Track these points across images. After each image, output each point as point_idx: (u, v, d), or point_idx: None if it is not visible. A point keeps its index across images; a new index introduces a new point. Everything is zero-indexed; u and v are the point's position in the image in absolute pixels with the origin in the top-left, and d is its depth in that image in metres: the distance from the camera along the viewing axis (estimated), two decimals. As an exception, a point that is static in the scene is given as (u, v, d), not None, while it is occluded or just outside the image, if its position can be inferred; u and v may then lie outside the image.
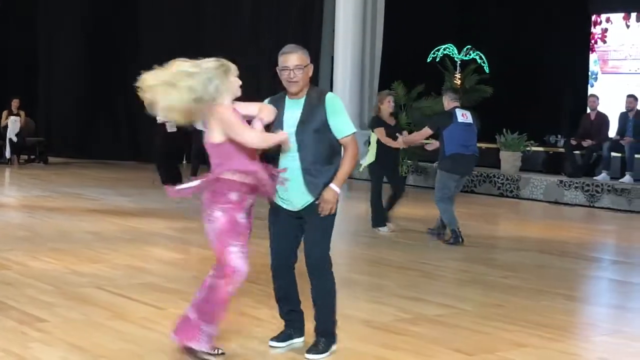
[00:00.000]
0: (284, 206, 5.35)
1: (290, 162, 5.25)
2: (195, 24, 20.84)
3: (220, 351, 5.25)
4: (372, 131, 11.02)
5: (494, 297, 7.49)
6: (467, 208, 14.05)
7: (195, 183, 5.22)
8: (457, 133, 10.24)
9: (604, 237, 12.22)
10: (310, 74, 5.33)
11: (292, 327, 5.57)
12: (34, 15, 21.37)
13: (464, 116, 10.37)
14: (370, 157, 10.91)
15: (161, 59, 17.81)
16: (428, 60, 17.36)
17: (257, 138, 5.05)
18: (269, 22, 19.88)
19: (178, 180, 15.45)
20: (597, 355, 5.98)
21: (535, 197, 15.67)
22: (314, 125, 5.23)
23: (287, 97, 5.34)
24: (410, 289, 7.64)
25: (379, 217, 10.93)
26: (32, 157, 19.58)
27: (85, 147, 20.98)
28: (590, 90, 17.89)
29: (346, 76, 18.14)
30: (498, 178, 16.37)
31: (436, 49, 17.40)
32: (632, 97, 15.99)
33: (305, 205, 5.29)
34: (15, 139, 18.62)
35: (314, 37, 19.05)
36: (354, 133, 5.32)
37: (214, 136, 5.06)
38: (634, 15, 17.99)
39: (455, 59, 17.48)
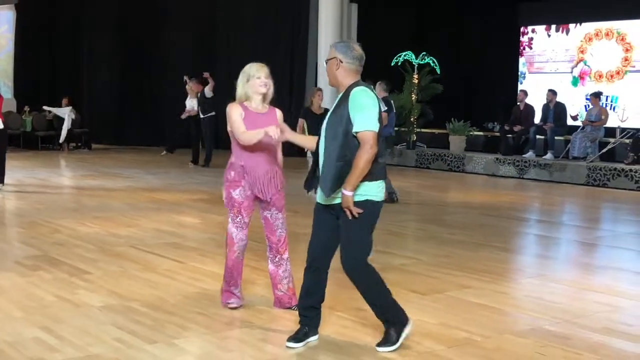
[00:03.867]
0: (318, 200, 4.38)
1: (320, 156, 4.31)
2: (209, 30, 20.66)
3: (233, 305, 5.15)
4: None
5: (443, 249, 7.52)
6: (424, 180, 14.08)
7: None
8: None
9: (531, 201, 12.26)
10: (337, 68, 4.27)
11: (308, 325, 4.44)
12: (76, 29, 21.20)
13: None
14: None
15: (182, 61, 17.77)
16: (392, 63, 17.30)
17: (241, 136, 4.85)
18: (266, 34, 19.75)
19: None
20: (524, 293, 6.02)
21: (476, 171, 15.70)
22: (335, 119, 4.20)
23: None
24: (378, 245, 7.64)
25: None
26: (79, 144, 19.50)
27: (121, 136, 20.87)
28: (520, 87, 17.87)
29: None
30: (447, 157, 16.38)
31: (398, 55, 17.33)
32: (551, 92, 16.03)
33: (329, 202, 4.28)
34: (70, 127, 18.64)
35: (302, 49, 18.94)
36: (370, 131, 4.09)
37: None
38: (553, 27, 17.99)
39: (413, 62, 17.42)
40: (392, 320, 4.39)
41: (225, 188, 5.09)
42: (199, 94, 15.50)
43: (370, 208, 4.23)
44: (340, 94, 4.27)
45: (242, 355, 4.26)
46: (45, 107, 18.97)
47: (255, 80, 4.94)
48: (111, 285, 5.74)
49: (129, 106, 20.98)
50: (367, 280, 4.35)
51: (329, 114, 4.35)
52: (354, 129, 4.11)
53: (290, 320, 4.84)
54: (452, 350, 4.42)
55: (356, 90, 4.18)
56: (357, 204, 4.16)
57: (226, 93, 18.46)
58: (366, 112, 4.11)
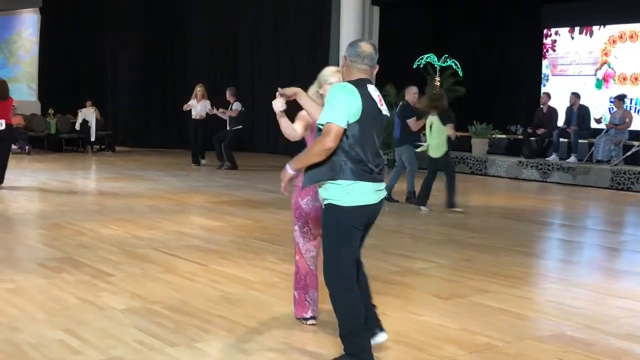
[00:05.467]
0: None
1: None
2: (231, 34, 20.75)
3: (311, 322, 4.87)
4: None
5: (464, 253, 7.50)
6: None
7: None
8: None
9: (554, 205, 12.19)
10: (344, 65, 4.11)
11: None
12: (100, 31, 21.38)
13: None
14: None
15: (205, 64, 17.85)
16: (414, 66, 17.27)
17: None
18: (288, 37, 19.79)
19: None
20: (545, 298, 5.99)
21: (499, 174, 15.62)
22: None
23: None
24: (398, 248, 7.66)
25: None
26: (102, 147, 19.64)
27: (144, 139, 21.00)
28: (543, 89, 17.77)
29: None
30: (470, 160, 16.33)
31: (420, 57, 17.30)
32: (575, 95, 15.92)
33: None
34: (94, 128, 18.83)
35: (323, 52, 18.96)
36: (333, 123, 3.79)
37: None
38: (577, 29, 17.87)
39: (435, 65, 17.38)
40: (343, 342, 4.02)
41: (294, 194, 4.80)
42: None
43: (334, 213, 3.93)
44: None
45: (263, 358, 4.28)
46: (79, 114, 19.05)
47: (327, 86, 4.53)
48: (133, 287, 5.78)
49: (152, 109, 21.12)
50: (330, 292, 4.00)
51: None
52: (319, 121, 3.90)
53: (309, 324, 4.85)
54: (473, 356, 4.41)
55: (335, 85, 3.98)
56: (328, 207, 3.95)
57: (249, 95, 18.51)
58: (335, 105, 3.82)
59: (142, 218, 9.11)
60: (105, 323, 4.83)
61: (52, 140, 19.22)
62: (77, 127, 18.86)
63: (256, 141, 20.10)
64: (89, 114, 18.75)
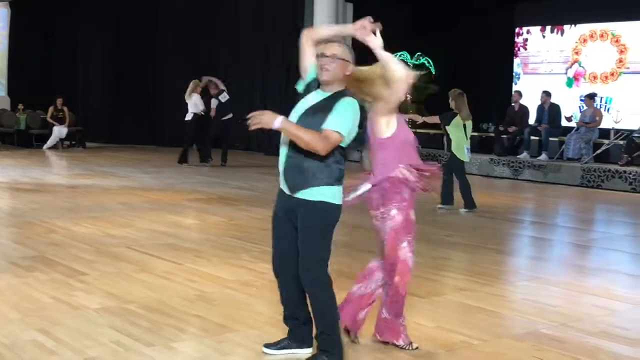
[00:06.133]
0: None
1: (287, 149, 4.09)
2: (206, 31, 20.63)
3: (414, 345, 4.46)
4: None
5: (440, 251, 7.53)
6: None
7: (366, 187, 4.35)
8: None
9: (525, 202, 12.29)
10: (347, 72, 4.04)
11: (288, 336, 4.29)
12: (71, 27, 21.15)
13: None
14: None
15: (176, 62, 17.76)
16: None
17: None
18: (262, 34, 19.74)
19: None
20: (520, 296, 6.03)
21: (471, 171, 15.68)
22: (316, 120, 3.91)
23: (318, 87, 4.07)
24: (367, 244, 7.64)
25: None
26: (73, 143, 19.43)
27: (116, 134, 20.82)
28: (514, 88, 17.91)
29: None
30: (443, 157, 16.40)
31: (393, 55, 17.38)
32: (545, 93, 16.10)
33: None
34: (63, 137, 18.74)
35: (297, 47, 18.92)
36: (337, 132, 3.83)
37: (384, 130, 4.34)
38: (548, 28, 18.03)
39: (409, 63, 17.46)
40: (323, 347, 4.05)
41: (399, 211, 4.35)
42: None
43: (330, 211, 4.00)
44: (326, 94, 3.99)
45: (239, 358, 4.26)
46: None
47: (397, 88, 4.32)
48: (108, 286, 5.72)
49: (124, 104, 20.95)
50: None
51: (305, 108, 4.02)
52: (325, 125, 3.85)
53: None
54: (449, 354, 4.43)
55: (350, 101, 3.96)
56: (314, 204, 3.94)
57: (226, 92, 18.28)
58: (346, 119, 3.88)
59: (115, 216, 9.03)
60: (80, 323, 4.78)
61: (21, 136, 19.00)
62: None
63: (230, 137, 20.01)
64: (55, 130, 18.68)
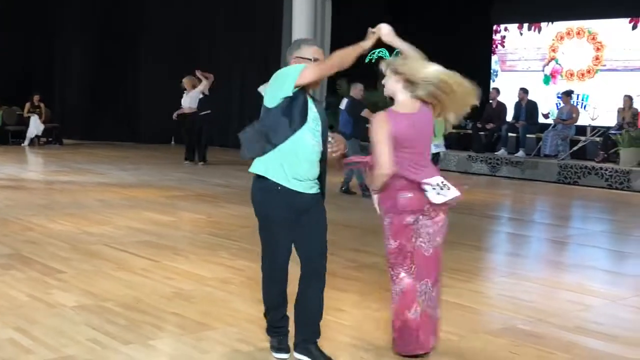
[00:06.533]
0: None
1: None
2: (184, 27, 20.55)
3: None
4: None
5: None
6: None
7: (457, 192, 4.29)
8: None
9: (503, 199, 12.37)
10: None
11: (285, 334, 4.24)
12: (49, 24, 20.95)
13: (342, 104, 11.48)
14: None
15: (156, 59, 17.59)
16: (366, 60, 17.33)
17: None
18: (241, 30, 19.68)
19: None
20: (498, 292, 6.07)
21: (449, 168, 15.77)
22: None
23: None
24: (352, 243, 7.69)
25: None
26: (50, 139, 19.27)
27: (93, 131, 20.68)
28: (492, 85, 18.01)
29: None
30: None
31: (372, 52, 17.39)
32: (523, 90, 16.21)
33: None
34: (39, 133, 18.58)
35: (276, 44, 18.93)
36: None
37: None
38: (525, 25, 18.15)
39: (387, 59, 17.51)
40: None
41: (447, 216, 4.42)
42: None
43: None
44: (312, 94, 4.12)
45: (217, 356, 4.25)
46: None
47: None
48: (85, 284, 5.69)
49: (102, 101, 20.80)
50: None
51: (322, 119, 4.06)
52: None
53: (264, 320, 4.84)
54: (427, 350, 4.45)
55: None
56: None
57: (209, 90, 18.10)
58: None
59: (92, 213, 8.98)
60: (57, 321, 4.75)
61: (-3, 132, 18.85)
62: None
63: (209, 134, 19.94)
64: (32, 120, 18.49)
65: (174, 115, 15.42)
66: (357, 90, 11.44)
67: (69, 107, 20.96)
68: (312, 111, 4.00)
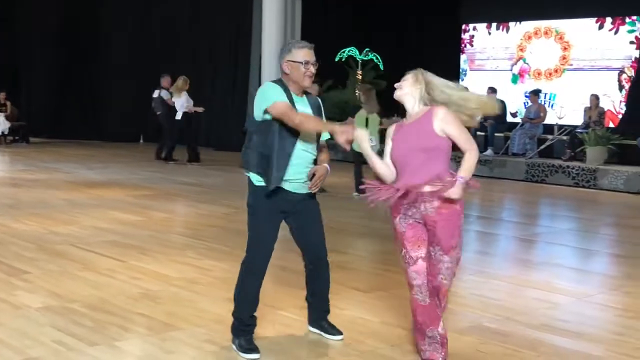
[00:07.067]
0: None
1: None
2: (148, 30, 20.45)
3: None
4: None
5: (386, 246, 7.57)
6: (366, 175, 14.15)
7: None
8: None
9: (471, 197, 12.41)
10: None
11: (252, 333, 4.33)
12: (14, 21, 20.70)
13: None
14: None
15: (121, 57, 17.46)
16: (336, 59, 17.38)
17: None
18: (210, 30, 19.60)
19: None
20: (466, 290, 6.09)
21: (419, 167, 15.83)
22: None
23: (290, 91, 4.20)
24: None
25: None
26: (16, 138, 19.03)
27: (60, 130, 20.46)
28: (461, 84, 18.12)
29: (271, 73, 17.96)
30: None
31: (342, 51, 17.42)
32: (491, 89, 16.28)
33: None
34: (6, 132, 18.34)
35: (245, 43, 18.90)
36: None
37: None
38: (494, 25, 18.30)
39: (357, 58, 17.53)
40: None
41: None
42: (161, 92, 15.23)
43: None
44: (304, 97, 4.31)
45: (184, 356, 4.23)
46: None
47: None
48: (51, 285, 5.63)
49: (68, 99, 20.62)
50: None
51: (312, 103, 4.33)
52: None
53: (231, 320, 4.84)
54: (393, 349, 4.47)
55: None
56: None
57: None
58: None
59: (58, 212, 8.89)
60: (22, 322, 4.69)
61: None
62: None
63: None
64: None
65: (180, 114, 15.05)
66: (313, 90, 11.35)
67: (36, 105, 20.72)
68: (300, 109, 4.16)
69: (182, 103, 14.96)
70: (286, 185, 4.18)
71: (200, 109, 15.25)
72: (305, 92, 4.32)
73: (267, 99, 4.10)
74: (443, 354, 4.04)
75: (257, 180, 4.17)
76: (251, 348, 4.21)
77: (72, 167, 13.88)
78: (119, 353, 4.24)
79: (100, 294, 5.41)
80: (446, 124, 4.02)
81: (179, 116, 14.88)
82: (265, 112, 4.10)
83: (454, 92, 4.14)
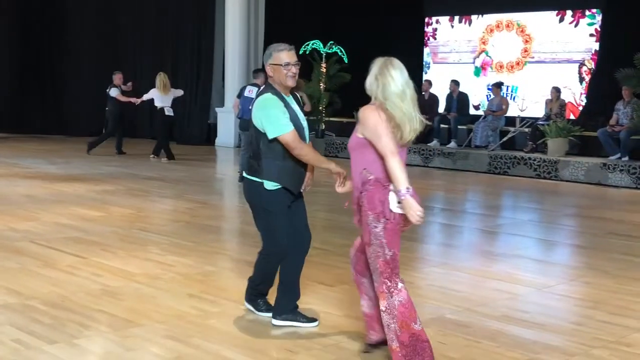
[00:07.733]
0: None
1: None
2: (112, 23, 20.24)
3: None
4: None
5: (349, 239, 7.54)
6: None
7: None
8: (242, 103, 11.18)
9: (435, 189, 12.51)
10: None
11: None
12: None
13: (250, 92, 11.11)
14: None
15: (84, 49, 17.23)
16: (300, 52, 17.32)
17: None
18: (172, 25, 19.46)
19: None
20: (428, 282, 6.14)
21: (383, 159, 15.89)
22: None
23: (281, 93, 4.46)
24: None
25: None
26: (-25, 133, 18.79)
27: (21, 124, 20.16)
28: (424, 77, 18.24)
29: (235, 67, 17.94)
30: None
31: (306, 43, 17.38)
32: (454, 82, 16.45)
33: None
34: None
35: (208, 36, 18.78)
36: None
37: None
38: (457, 18, 18.40)
39: (321, 51, 17.51)
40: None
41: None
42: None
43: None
44: (290, 97, 4.56)
45: (145, 353, 4.19)
46: None
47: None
48: (9, 282, 5.54)
49: (30, 93, 20.32)
50: None
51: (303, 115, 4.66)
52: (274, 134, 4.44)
53: (193, 316, 4.81)
54: (357, 343, 4.48)
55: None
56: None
57: (133, 78, 17.90)
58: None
59: (18, 209, 8.76)
60: (-22, 322, 4.62)
61: None
62: None
63: (137, 126, 19.69)
64: None
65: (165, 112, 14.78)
66: (262, 79, 11.29)
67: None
68: (298, 111, 4.55)
69: (170, 98, 14.68)
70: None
71: (135, 100, 15.12)
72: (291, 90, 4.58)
73: (276, 127, 4.34)
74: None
75: (273, 185, 4.51)
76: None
77: (33, 162, 13.70)
78: (79, 351, 4.19)
79: (60, 291, 5.35)
80: (362, 126, 3.94)
81: (169, 112, 14.66)
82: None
83: (403, 107, 4.03)
